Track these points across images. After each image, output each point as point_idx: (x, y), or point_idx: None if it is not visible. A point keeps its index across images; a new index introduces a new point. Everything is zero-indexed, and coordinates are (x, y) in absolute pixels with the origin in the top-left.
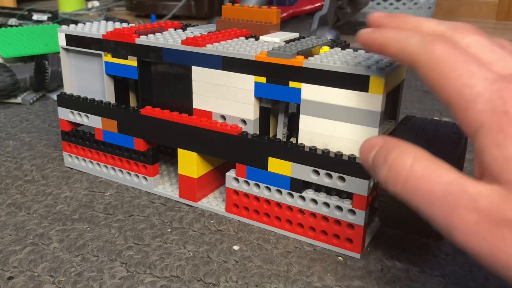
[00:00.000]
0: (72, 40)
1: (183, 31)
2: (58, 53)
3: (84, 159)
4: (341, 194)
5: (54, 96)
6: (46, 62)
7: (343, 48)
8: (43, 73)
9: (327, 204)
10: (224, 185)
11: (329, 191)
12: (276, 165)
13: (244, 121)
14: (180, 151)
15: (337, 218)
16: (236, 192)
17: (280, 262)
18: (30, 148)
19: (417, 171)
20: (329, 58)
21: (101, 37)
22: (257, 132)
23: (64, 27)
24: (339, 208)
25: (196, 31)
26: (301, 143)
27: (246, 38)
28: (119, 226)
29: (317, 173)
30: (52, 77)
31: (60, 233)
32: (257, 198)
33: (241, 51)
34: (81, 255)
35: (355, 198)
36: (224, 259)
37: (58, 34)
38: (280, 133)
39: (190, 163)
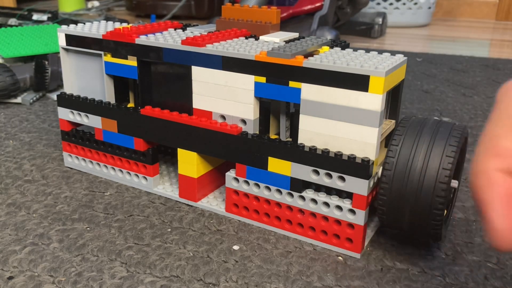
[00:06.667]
0: (72, 40)
1: (183, 31)
2: (58, 53)
3: (84, 159)
4: (341, 194)
5: (54, 96)
6: (46, 62)
7: (343, 48)
8: (43, 73)
9: (327, 204)
10: (224, 185)
11: (329, 191)
12: (276, 165)
13: (244, 121)
14: (180, 151)
15: (337, 218)
16: (236, 192)
17: (280, 262)
18: (30, 148)
19: None
20: (329, 58)
21: (101, 37)
22: (257, 132)
23: (64, 27)
24: (339, 208)
25: (196, 31)
26: (301, 143)
27: (246, 38)
28: (119, 226)
29: (317, 173)
30: (52, 77)
31: (60, 233)
32: (257, 198)
33: (241, 51)
34: (81, 255)
35: (355, 198)
36: (224, 259)
37: (58, 34)
38: (283, 136)
39: (190, 163)
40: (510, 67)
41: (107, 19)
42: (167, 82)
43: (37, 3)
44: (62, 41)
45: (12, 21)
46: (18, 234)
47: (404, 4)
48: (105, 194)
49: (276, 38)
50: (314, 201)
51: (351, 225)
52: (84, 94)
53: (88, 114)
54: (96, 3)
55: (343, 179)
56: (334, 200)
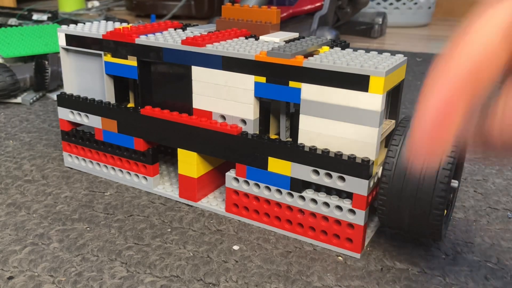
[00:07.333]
0: (72, 40)
1: (183, 31)
2: (58, 53)
3: (84, 159)
4: (341, 194)
5: (54, 96)
6: (46, 62)
7: (343, 48)
8: (43, 73)
9: (327, 204)
10: (224, 185)
11: (329, 191)
12: (276, 165)
13: (244, 121)
14: (180, 151)
15: (337, 218)
16: (236, 192)
17: (280, 262)
18: (30, 148)
19: None
20: (329, 58)
21: (101, 37)
22: (257, 132)
23: (64, 27)
24: (339, 208)
25: (196, 31)
26: (301, 143)
27: (246, 38)
28: (119, 226)
29: (317, 173)
30: (52, 77)
31: (60, 233)
32: (257, 198)
33: (241, 51)
34: (81, 255)
35: (355, 198)
36: (224, 259)
37: (58, 34)
38: (283, 136)
39: (190, 163)
40: None
41: (107, 19)
42: (167, 82)
43: (37, 3)
44: (62, 41)
45: (12, 21)
46: (18, 234)
47: (404, 4)
48: (105, 194)
49: (276, 38)
50: (314, 201)
51: (351, 225)
52: (84, 94)
53: (88, 114)
54: (96, 3)
55: (343, 179)
56: (334, 200)
